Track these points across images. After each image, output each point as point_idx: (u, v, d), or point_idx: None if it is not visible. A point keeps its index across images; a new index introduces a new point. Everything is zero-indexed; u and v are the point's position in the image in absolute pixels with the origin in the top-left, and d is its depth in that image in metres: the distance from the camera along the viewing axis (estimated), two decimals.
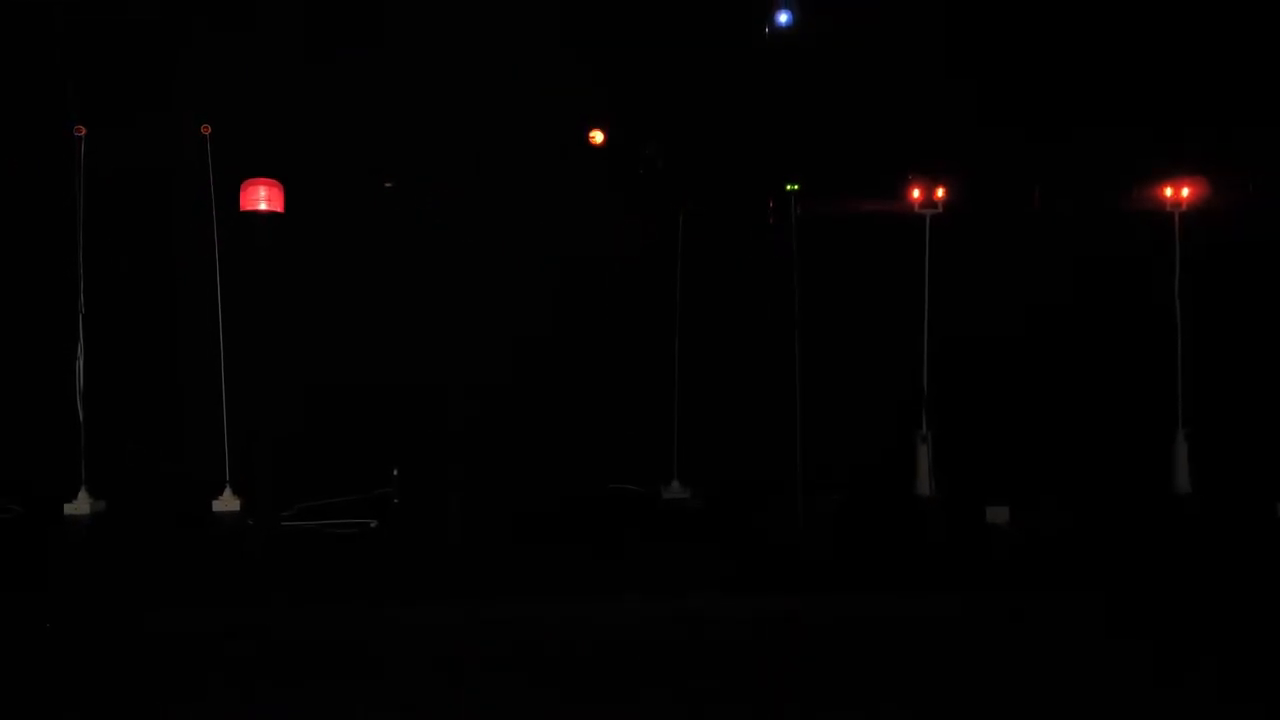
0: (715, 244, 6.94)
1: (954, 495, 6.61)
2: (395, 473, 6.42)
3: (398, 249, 6.80)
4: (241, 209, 5.39)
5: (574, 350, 6.83)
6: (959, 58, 6.76)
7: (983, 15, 6.81)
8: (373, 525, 5.87)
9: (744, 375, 6.89)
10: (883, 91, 6.86)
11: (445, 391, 6.54)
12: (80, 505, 6.32)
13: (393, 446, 6.57)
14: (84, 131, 6.43)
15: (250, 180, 5.38)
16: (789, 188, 6.64)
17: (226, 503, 6.47)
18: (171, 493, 6.57)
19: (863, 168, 6.98)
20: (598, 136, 6.81)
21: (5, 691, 3.66)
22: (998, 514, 5.87)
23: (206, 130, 6.49)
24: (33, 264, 6.57)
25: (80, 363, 6.42)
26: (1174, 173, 6.99)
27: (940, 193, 6.93)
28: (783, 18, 6.55)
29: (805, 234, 6.36)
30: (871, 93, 6.91)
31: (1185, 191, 6.96)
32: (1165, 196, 6.98)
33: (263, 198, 5.35)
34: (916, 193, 6.93)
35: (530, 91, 6.73)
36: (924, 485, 6.84)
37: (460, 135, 6.70)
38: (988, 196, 6.98)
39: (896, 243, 6.99)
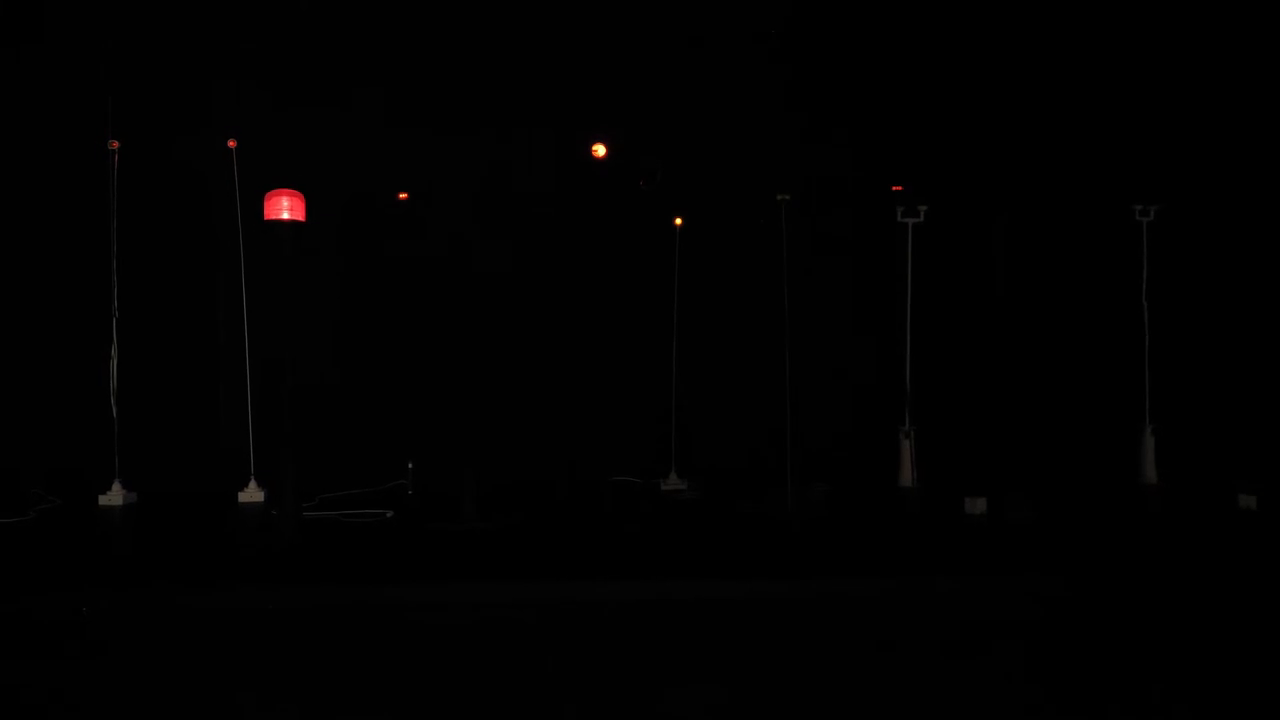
0: (711, 250, 6.99)
1: (935, 487, 6.66)
2: (410, 466, 6.48)
3: (409, 255, 6.86)
4: (265, 218, 5.42)
5: (576, 351, 6.88)
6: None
7: None
8: (389, 515, 5.91)
9: (739, 375, 6.95)
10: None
11: (456, 390, 6.58)
12: (114, 497, 6.37)
13: (406, 441, 6.62)
14: (117, 145, 6.48)
15: (274, 191, 5.41)
16: (779, 198, 6.70)
17: (251, 494, 6.52)
18: (199, 484, 6.63)
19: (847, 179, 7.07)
20: (600, 150, 6.86)
21: (47, 674, 3.71)
22: (976, 504, 5.92)
23: (233, 144, 6.56)
24: (70, 271, 6.63)
25: (114, 363, 6.46)
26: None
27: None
28: None
29: (796, 239, 6.41)
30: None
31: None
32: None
33: (286, 207, 5.38)
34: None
35: (534, 100, 6.79)
36: (907, 478, 6.90)
37: (467, 145, 6.76)
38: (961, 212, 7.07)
39: (883, 250, 7.05)
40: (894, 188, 7.00)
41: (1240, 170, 6.93)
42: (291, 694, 3.51)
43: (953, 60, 6.99)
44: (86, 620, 4.15)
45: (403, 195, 6.89)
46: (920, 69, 7.01)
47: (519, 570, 4.71)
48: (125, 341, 6.50)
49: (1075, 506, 5.98)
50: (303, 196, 5.41)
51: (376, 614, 4.23)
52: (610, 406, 6.86)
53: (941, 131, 7.00)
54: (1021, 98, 6.95)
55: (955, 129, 7.00)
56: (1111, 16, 6.95)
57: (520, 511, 5.90)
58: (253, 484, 6.54)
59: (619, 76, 6.87)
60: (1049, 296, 7.04)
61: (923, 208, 6.96)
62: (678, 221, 6.88)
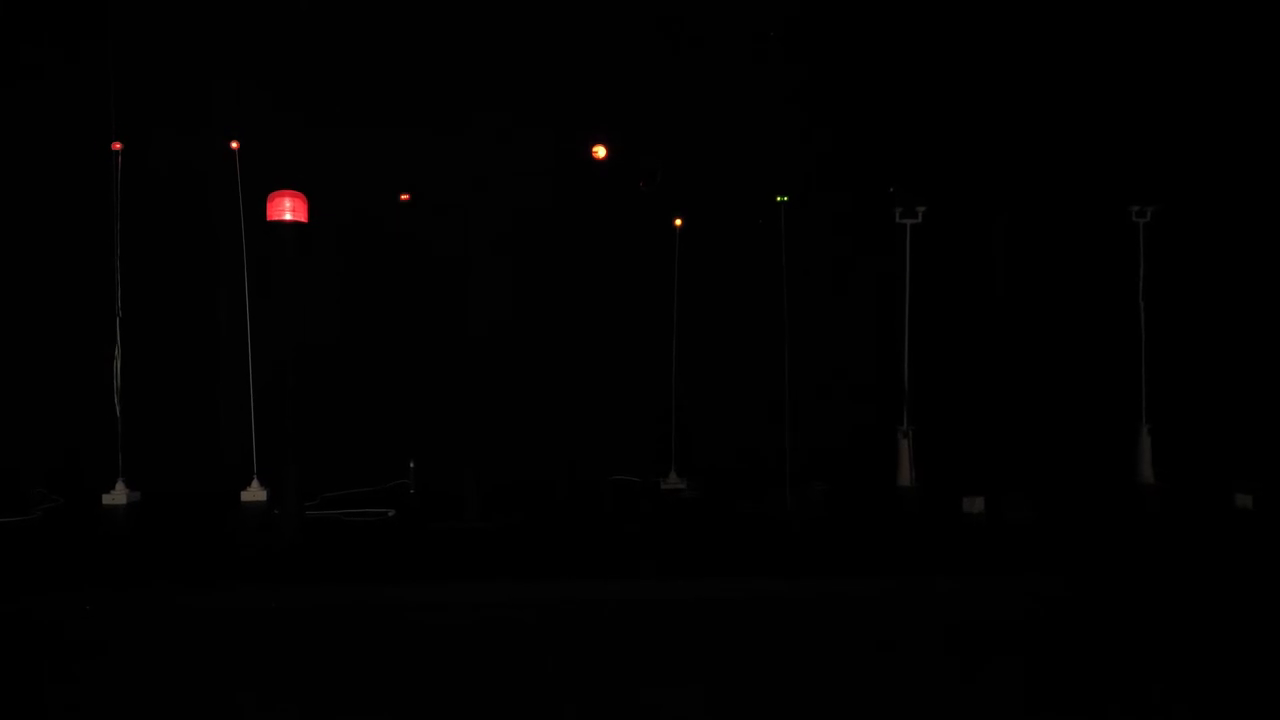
0: (711, 250, 6.98)
1: (933, 486, 6.64)
2: (411, 465, 6.47)
3: (411, 255, 6.85)
4: (268, 219, 5.41)
5: (576, 350, 6.86)
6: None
7: None
8: (391, 514, 5.89)
9: (738, 374, 6.93)
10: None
11: (457, 389, 6.57)
12: (117, 496, 6.36)
13: (407, 440, 6.60)
14: (120, 146, 6.46)
15: (276, 192, 5.39)
16: (779, 199, 6.69)
17: (254, 493, 6.50)
18: (202, 484, 6.61)
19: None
20: (600, 151, 6.84)
21: (52, 672, 3.69)
22: (974, 503, 5.90)
23: (235, 146, 6.55)
24: (74, 272, 6.61)
25: (117, 363, 6.45)
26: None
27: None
28: None
29: (794, 241, 6.39)
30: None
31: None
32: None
33: (288, 208, 5.36)
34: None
35: (534, 100, 6.78)
36: (905, 477, 6.87)
37: (468, 145, 6.75)
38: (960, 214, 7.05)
39: (881, 250, 7.03)
40: (891, 189, 6.98)
41: (1236, 171, 6.92)
42: (292, 694, 3.49)
43: (950, 62, 6.97)
44: (90, 619, 4.13)
45: (405, 196, 6.86)
46: (918, 71, 6.99)
47: (520, 569, 4.68)
48: (129, 341, 6.48)
49: (1073, 506, 5.96)
50: (305, 197, 5.40)
51: (378, 614, 4.20)
52: (610, 406, 6.84)
53: (939, 133, 6.98)
54: (1019, 99, 6.93)
55: (953, 130, 6.98)
56: (1108, 18, 6.93)
57: (521, 511, 5.88)
58: (255, 483, 6.52)
59: (619, 77, 6.84)
60: (1046, 297, 7.02)
61: (921, 208, 6.94)
62: (677, 222, 6.86)
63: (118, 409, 6.42)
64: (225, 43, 6.69)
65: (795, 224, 6.54)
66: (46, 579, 4.60)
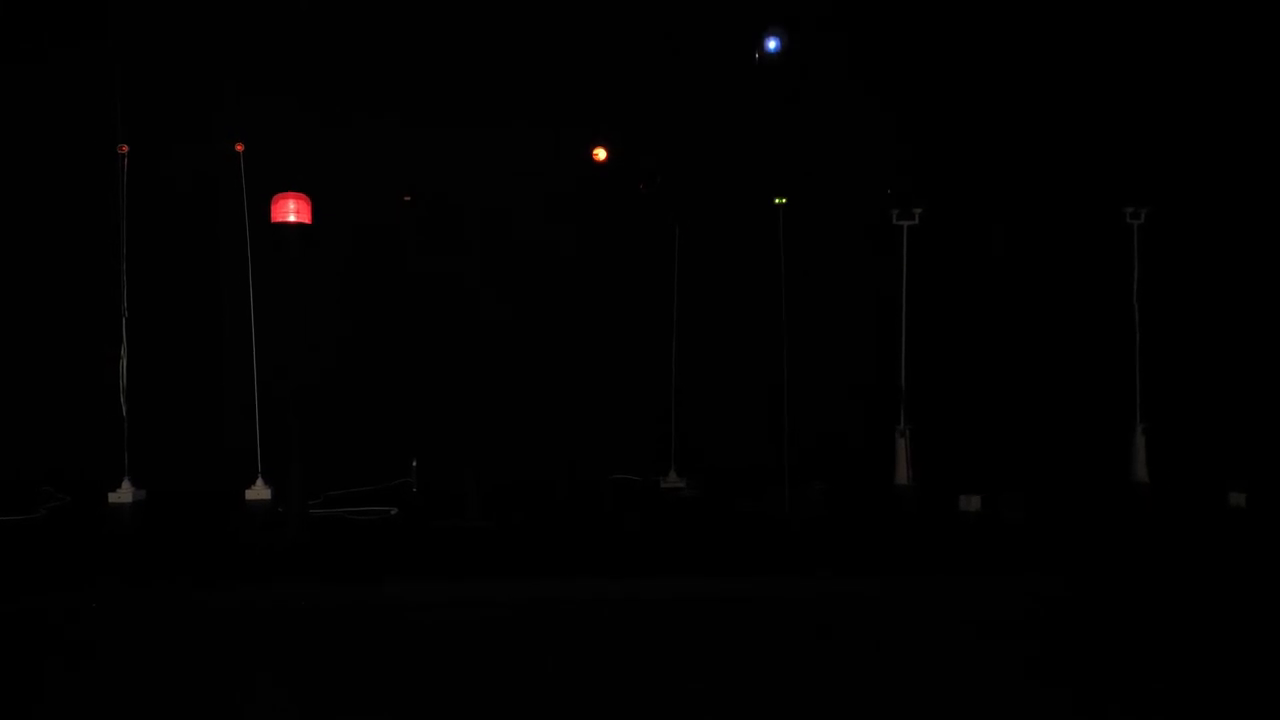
0: (710, 251, 6.94)
1: (930, 485, 6.62)
2: (414, 464, 6.44)
3: (413, 257, 6.82)
4: (272, 220, 5.38)
5: (577, 350, 6.83)
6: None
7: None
8: (393, 513, 5.86)
9: (738, 374, 6.90)
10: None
11: (459, 389, 6.55)
12: (123, 494, 6.34)
13: (410, 439, 6.58)
14: (126, 149, 6.43)
15: (280, 194, 5.37)
16: (777, 201, 6.64)
17: (258, 492, 6.47)
18: (207, 482, 6.58)
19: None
20: (600, 153, 6.81)
21: (58, 669, 3.66)
22: (970, 502, 5.88)
23: (240, 148, 6.51)
24: (80, 273, 6.59)
25: (123, 363, 6.42)
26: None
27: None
28: (772, 44, 6.52)
29: (793, 242, 6.36)
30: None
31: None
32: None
33: (292, 210, 5.34)
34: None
35: (535, 102, 6.74)
36: (902, 476, 6.85)
37: (468, 146, 6.71)
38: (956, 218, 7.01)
39: (877, 253, 7.00)
40: (889, 190, 6.95)
41: (1229, 173, 6.90)
42: (292, 693, 3.46)
43: (948, 66, 6.94)
44: (94, 617, 4.11)
45: (406, 198, 6.83)
46: (915, 74, 6.96)
47: (521, 568, 4.67)
48: (135, 342, 6.46)
49: (1068, 505, 5.94)
50: (309, 199, 5.38)
51: (379, 613, 4.19)
52: (610, 406, 6.81)
53: (936, 135, 6.96)
54: (1015, 103, 6.91)
55: (950, 133, 6.95)
56: (1103, 23, 6.90)
57: (522, 510, 5.85)
58: (260, 481, 6.50)
59: (620, 80, 6.81)
60: (1042, 297, 7.00)
61: (918, 210, 6.91)
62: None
63: (124, 408, 6.40)
64: (228, 44, 6.65)
65: (794, 225, 6.50)
66: (51, 578, 4.58)
